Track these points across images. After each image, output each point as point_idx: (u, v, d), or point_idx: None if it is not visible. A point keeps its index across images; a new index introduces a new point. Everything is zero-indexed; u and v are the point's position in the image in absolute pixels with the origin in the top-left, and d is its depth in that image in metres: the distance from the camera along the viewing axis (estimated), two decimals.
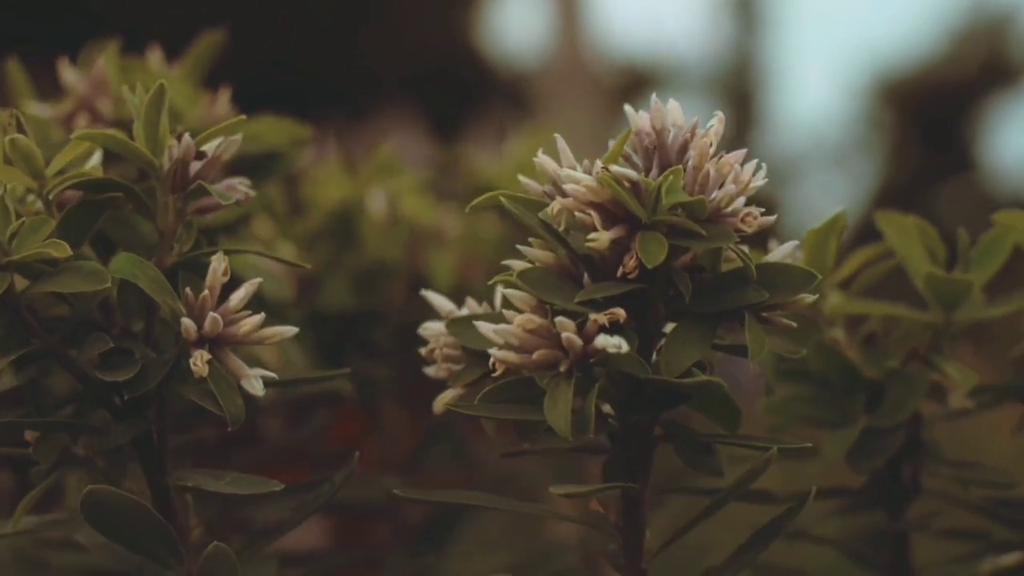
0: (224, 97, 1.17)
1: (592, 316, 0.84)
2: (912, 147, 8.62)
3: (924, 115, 8.57)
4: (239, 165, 1.12)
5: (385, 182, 1.41)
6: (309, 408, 1.30)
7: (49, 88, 1.16)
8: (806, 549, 1.08)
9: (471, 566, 1.41)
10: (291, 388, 1.16)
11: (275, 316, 1.09)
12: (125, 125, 0.99)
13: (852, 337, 1.05)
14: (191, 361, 0.89)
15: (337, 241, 1.36)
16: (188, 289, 0.90)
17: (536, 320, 0.85)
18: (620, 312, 0.84)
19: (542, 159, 0.88)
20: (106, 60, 1.15)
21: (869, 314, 1.05)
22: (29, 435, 0.94)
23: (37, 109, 1.15)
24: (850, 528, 1.12)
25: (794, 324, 0.87)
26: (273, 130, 1.18)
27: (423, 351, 0.94)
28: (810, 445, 0.89)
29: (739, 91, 8.23)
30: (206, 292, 0.90)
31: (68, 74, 1.15)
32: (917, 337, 1.03)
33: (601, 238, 0.84)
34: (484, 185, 1.43)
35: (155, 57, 1.21)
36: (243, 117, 0.94)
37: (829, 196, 8.27)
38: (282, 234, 1.22)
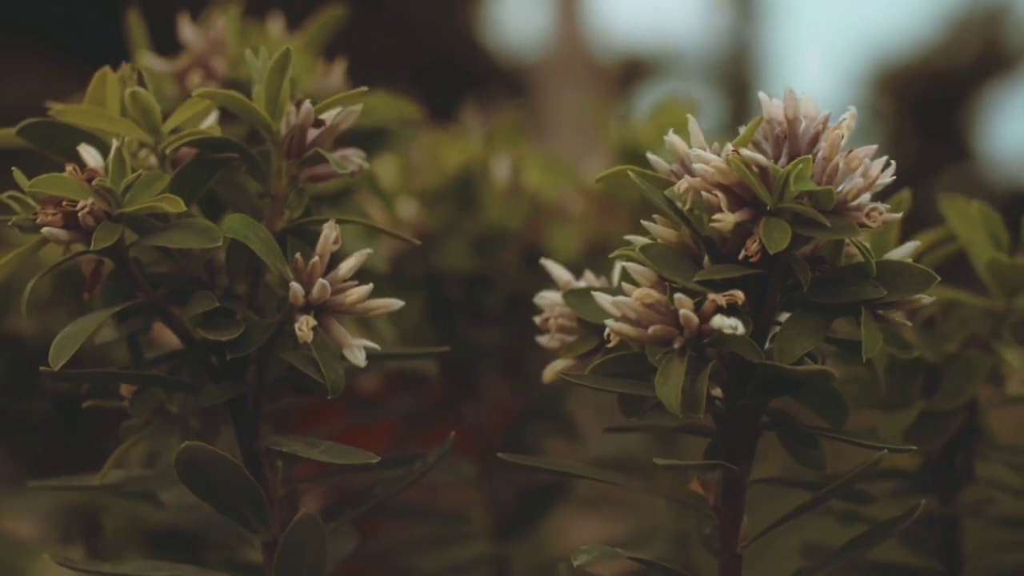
0: (339, 68, 1.17)
1: (710, 296, 0.84)
2: (910, 135, 8.62)
3: (922, 103, 8.56)
4: (348, 137, 1.11)
5: (509, 150, 1.41)
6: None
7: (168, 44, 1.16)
8: (857, 529, 1.08)
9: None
10: (386, 362, 1.14)
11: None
12: (238, 86, 0.99)
13: (911, 320, 1.05)
14: (296, 326, 0.89)
15: (458, 204, 1.36)
16: (298, 255, 0.89)
17: (655, 295, 0.86)
18: (739, 294, 0.84)
19: (672, 138, 0.88)
20: (227, 21, 1.16)
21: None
22: (125, 389, 0.94)
23: (153, 62, 1.15)
24: (903, 511, 1.12)
25: (909, 323, 0.88)
26: (385, 105, 1.18)
27: (537, 319, 0.95)
28: (914, 448, 0.90)
29: (737, 79, 8.22)
30: (316, 258, 0.90)
31: (187, 31, 1.16)
32: (977, 322, 1.03)
33: (726, 219, 0.84)
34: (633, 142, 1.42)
35: (276, 25, 1.21)
36: (364, 88, 0.94)
37: None
38: (381, 198, 1.21)
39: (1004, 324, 1.03)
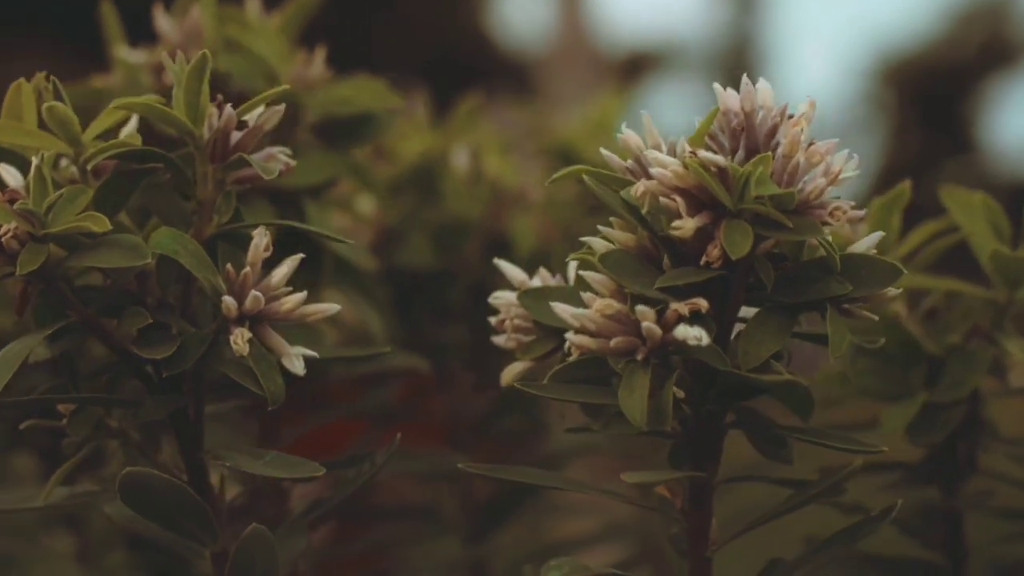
0: (319, 57, 1.14)
1: (673, 305, 0.82)
2: (913, 128, 8.60)
3: (925, 96, 8.54)
4: (329, 127, 1.10)
5: (467, 138, 1.38)
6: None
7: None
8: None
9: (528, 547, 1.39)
10: (351, 365, 1.13)
11: (356, 282, 1.07)
12: (217, 75, 0.96)
13: (913, 312, 1.04)
14: (231, 339, 0.86)
15: (417, 195, 1.34)
16: (229, 266, 0.87)
17: (615, 305, 0.83)
18: (702, 303, 0.82)
19: (627, 134, 0.85)
20: (202, 9, 1.13)
21: (931, 289, 1.03)
22: (63, 407, 0.92)
23: (129, 55, 1.12)
24: (904, 503, 1.10)
25: (875, 318, 0.85)
26: (365, 93, 1.15)
27: (493, 321, 0.92)
28: (886, 449, 0.87)
29: (739, 72, 8.20)
30: (247, 269, 0.87)
31: (162, 21, 1.13)
32: (979, 314, 1.02)
33: (686, 226, 0.82)
34: (560, 146, 1.41)
35: (253, 8, 1.18)
36: (286, 87, 0.91)
37: None
38: (364, 186, 1.18)
39: (1006, 315, 1.01)
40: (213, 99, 0.90)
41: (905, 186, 0.97)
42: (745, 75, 0.84)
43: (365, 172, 1.17)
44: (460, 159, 1.36)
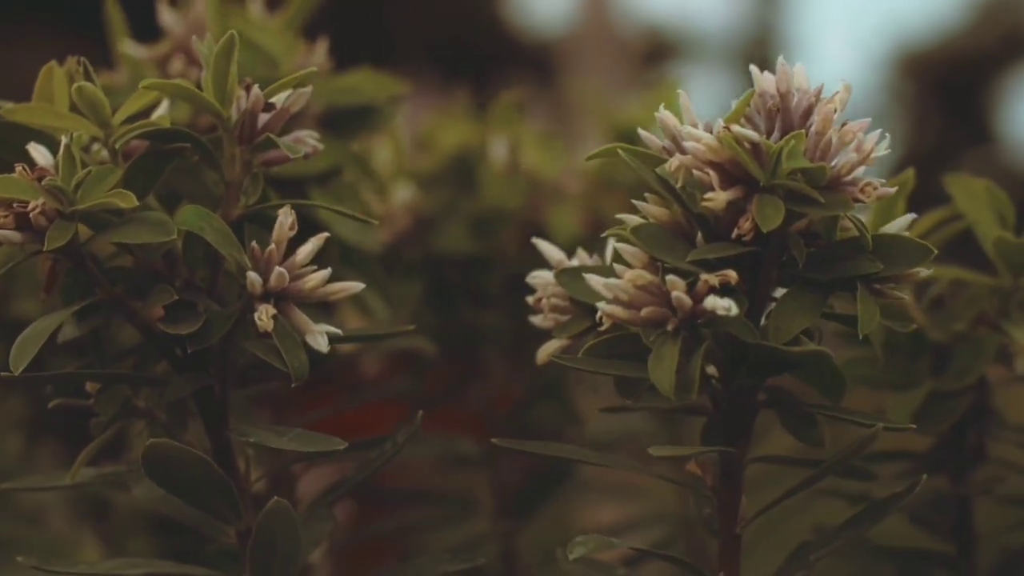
0: (321, 48, 1.15)
1: (703, 276, 0.83)
2: (933, 119, 8.58)
3: (945, 87, 8.52)
4: (334, 117, 1.10)
5: (506, 130, 1.39)
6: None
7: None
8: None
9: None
10: (367, 343, 1.13)
11: (362, 267, 1.08)
12: None
13: (918, 300, 1.04)
14: (256, 315, 0.87)
15: (456, 185, 1.34)
16: (254, 243, 0.88)
17: (647, 276, 0.84)
18: (732, 274, 0.83)
19: (663, 114, 0.86)
20: (206, 3, 1.13)
21: (936, 277, 1.03)
22: (90, 386, 0.92)
23: (133, 49, 1.13)
24: (916, 490, 1.10)
25: (906, 297, 0.86)
26: (370, 83, 1.16)
27: (530, 299, 0.93)
28: (914, 427, 0.89)
29: (760, 61, 8.17)
30: (272, 246, 0.88)
31: (166, 15, 1.14)
32: (984, 301, 1.02)
33: (718, 198, 0.82)
34: (622, 127, 1.41)
35: (255, 3, 1.19)
36: (314, 69, 0.92)
37: None
38: (370, 179, 1.19)
39: (1012, 302, 1.02)
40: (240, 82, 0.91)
41: (909, 174, 0.97)
42: (781, 57, 0.86)
43: (366, 163, 1.18)
44: (498, 150, 1.37)
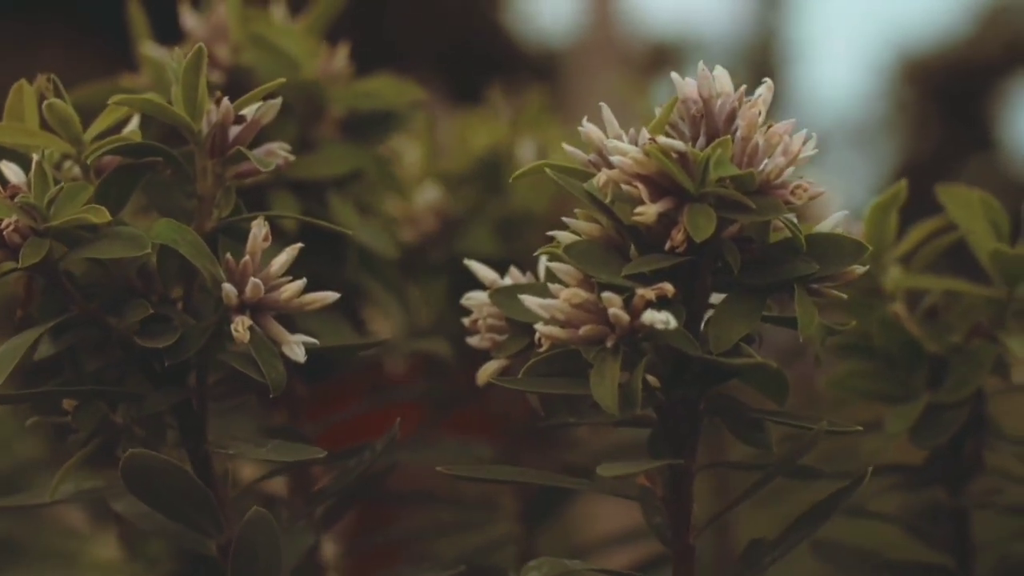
0: (343, 52, 1.16)
1: (639, 291, 0.82)
2: (934, 126, 8.57)
3: (947, 94, 8.51)
4: (355, 121, 1.10)
5: (535, 132, 1.39)
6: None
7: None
8: (865, 525, 1.07)
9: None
10: (342, 354, 1.13)
11: (379, 272, 1.08)
12: (241, 72, 0.97)
13: (913, 311, 1.03)
14: (232, 327, 0.87)
15: (483, 187, 1.34)
16: (229, 255, 0.88)
17: (582, 295, 0.83)
18: (668, 287, 0.82)
19: (587, 128, 0.86)
20: (227, 7, 1.14)
21: (930, 289, 1.03)
22: (67, 403, 0.92)
23: (155, 51, 1.13)
24: (910, 504, 1.10)
25: (844, 296, 0.85)
26: (390, 88, 1.16)
27: (466, 321, 0.93)
28: (860, 428, 0.87)
29: (762, 68, 8.19)
30: (247, 258, 0.88)
31: (188, 18, 1.15)
32: (979, 312, 1.01)
33: (648, 211, 0.82)
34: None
35: (278, 8, 1.19)
36: (282, 80, 0.92)
37: (851, 174, 8.24)
38: (384, 180, 1.19)
39: (1007, 313, 1.00)
40: (211, 95, 0.91)
41: (901, 185, 0.96)
42: (702, 62, 0.84)
43: (387, 166, 1.18)
44: (526, 153, 1.36)
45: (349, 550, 1.28)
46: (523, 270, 0.93)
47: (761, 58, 8.37)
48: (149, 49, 1.14)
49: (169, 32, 1.15)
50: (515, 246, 1.33)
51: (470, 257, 1.29)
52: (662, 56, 8.58)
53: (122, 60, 1.16)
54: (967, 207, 1.00)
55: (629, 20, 6.02)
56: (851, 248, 0.84)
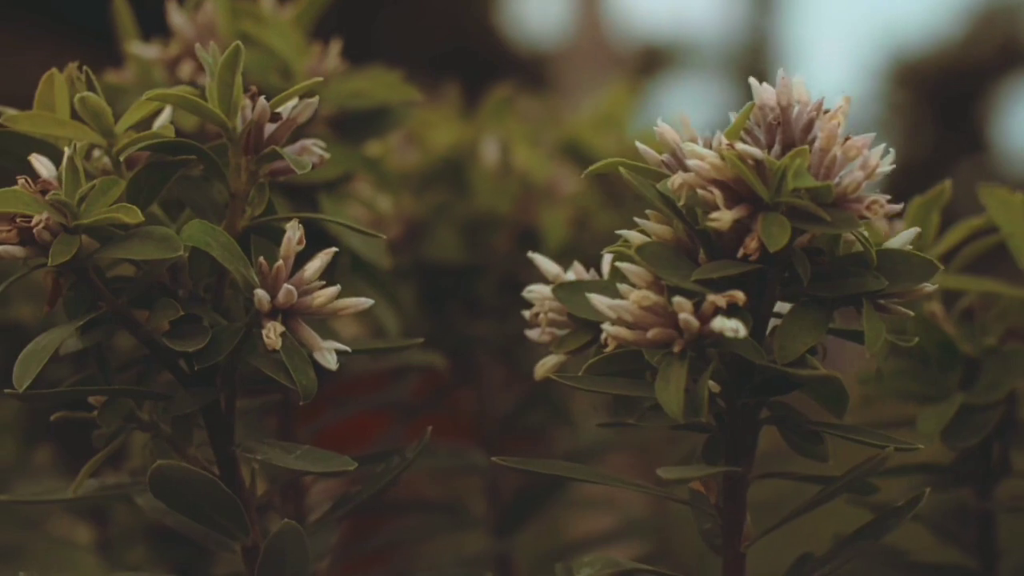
0: (335, 50, 1.14)
1: (710, 297, 0.81)
2: (927, 128, 8.58)
3: (940, 96, 8.52)
4: (346, 120, 1.08)
5: (497, 128, 1.37)
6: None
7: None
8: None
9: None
10: (376, 357, 1.12)
11: (372, 278, 1.06)
12: None
13: (949, 311, 1.03)
14: (264, 333, 0.86)
15: (447, 188, 1.33)
16: (262, 259, 0.86)
17: (652, 297, 0.82)
18: (740, 295, 0.81)
19: (663, 128, 0.85)
20: (216, 3, 1.12)
21: (968, 289, 1.02)
22: (94, 399, 0.91)
23: (142, 49, 1.12)
24: (937, 505, 1.09)
25: (911, 313, 0.85)
26: (381, 86, 1.14)
27: (527, 314, 0.92)
28: (921, 447, 0.87)
29: (755, 70, 8.18)
30: (280, 263, 0.87)
31: (175, 16, 1.12)
32: (1015, 315, 1.01)
33: (724, 217, 0.81)
34: (567, 139, 1.40)
35: (267, 2, 1.17)
36: (320, 79, 0.91)
37: None
38: (384, 184, 1.18)
39: None
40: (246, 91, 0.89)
41: (946, 186, 0.96)
42: (781, 69, 0.84)
43: (379, 167, 1.16)
44: (489, 151, 1.35)
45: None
46: (485, 274, 0.92)
47: (754, 61, 8.37)
48: (136, 47, 1.12)
49: (155, 33, 1.13)
50: (481, 249, 1.32)
51: (436, 261, 1.27)
52: (654, 59, 8.58)
53: (107, 66, 1.14)
54: (1008, 209, 1.00)
55: (620, 23, 6.01)
56: (921, 266, 0.83)
